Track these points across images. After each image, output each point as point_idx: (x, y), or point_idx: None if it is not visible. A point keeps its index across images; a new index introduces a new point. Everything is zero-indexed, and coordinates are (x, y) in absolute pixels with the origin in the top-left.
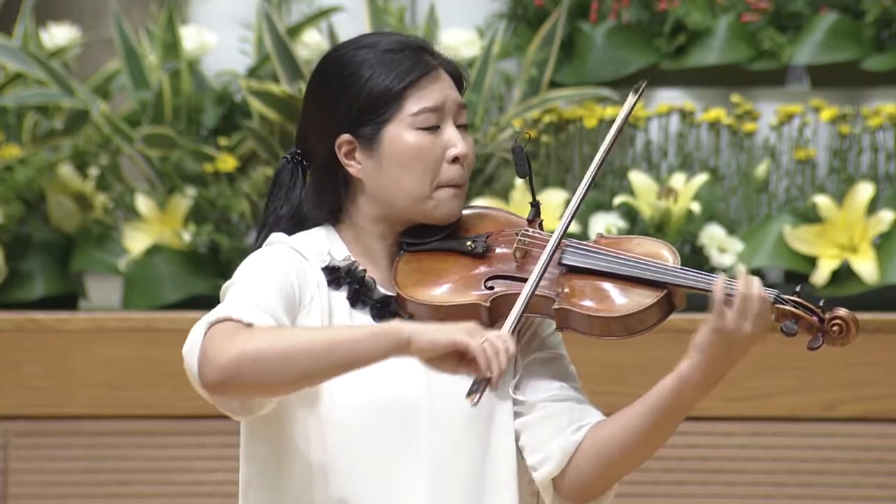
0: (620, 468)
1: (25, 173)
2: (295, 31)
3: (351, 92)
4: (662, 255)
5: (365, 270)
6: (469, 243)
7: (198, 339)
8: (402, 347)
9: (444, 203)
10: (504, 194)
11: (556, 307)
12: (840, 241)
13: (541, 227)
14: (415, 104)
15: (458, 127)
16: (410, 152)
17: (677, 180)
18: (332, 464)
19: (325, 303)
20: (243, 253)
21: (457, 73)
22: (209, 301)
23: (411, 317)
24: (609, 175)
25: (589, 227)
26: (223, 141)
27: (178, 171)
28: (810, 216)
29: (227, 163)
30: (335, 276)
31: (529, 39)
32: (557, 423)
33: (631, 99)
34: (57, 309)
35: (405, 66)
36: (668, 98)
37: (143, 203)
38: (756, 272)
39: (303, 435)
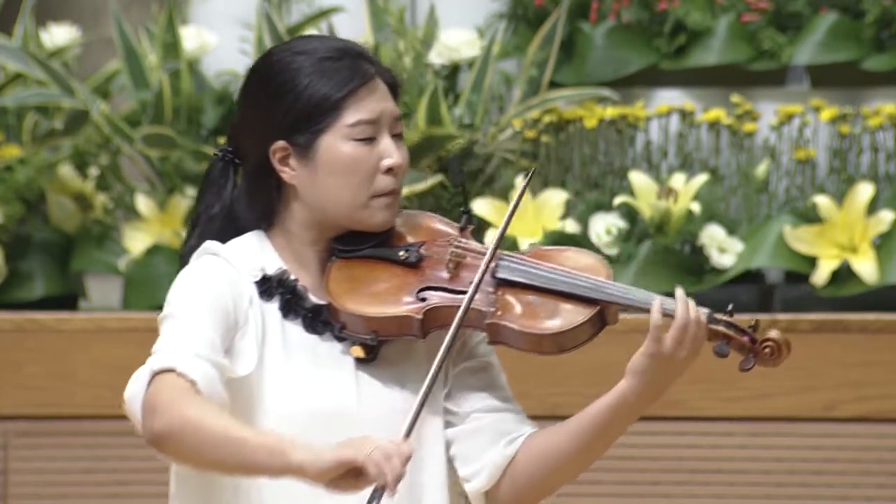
0: (554, 481)
1: (25, 173)
2: (295, 31)
3: (287, 99)
4: (595, 269)
5: (297, 280)
6: (402, 253)
7: (140, 388)
8: (295, 472)
9: (379, 212)
10: (504, 195)
11: (489, 322)
12: (840, 241)
13: (473, 235)
14: (352, 115)
15: (394, 136)
16: (346, 162)
17: (677, 180)
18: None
19: (258, 318)
20: None
21: (393, 82)
22: None
23: (343, 327)
24: (609, 175)
25: (589, 227)
26: (223, 141)
27: (178, 171)
28: (810, 216)
29: None
30: (267, 286)
31: (529, 39)
32: (489, 436)
33: (521, 182)
34: (57, 309)
35: (343, 75)
36: (668, 98)
37: (143, 203)
38: (756, 272)
39: None
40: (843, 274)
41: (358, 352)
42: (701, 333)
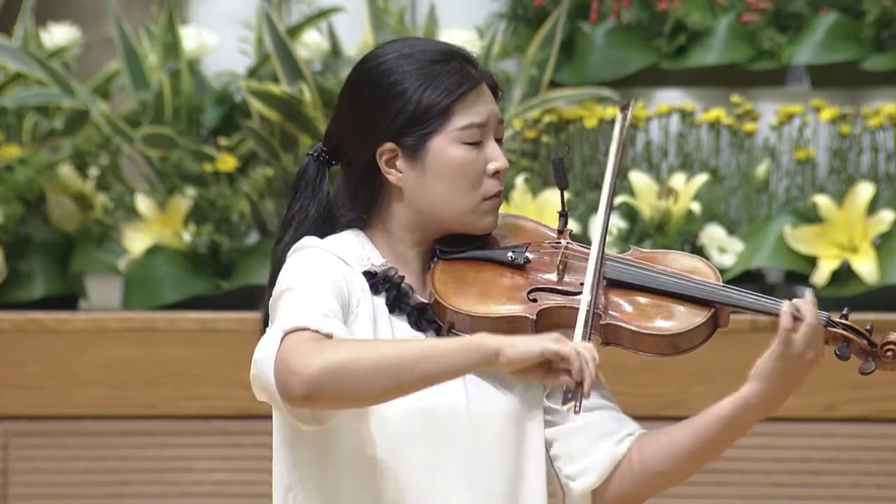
0: (663, 484)
1: (25, 173)
2: (295, 31)
3: (397, 102)
4: (703, 272)
5: (403, 277)
6: (510, 254)
7: (273, 348)
8: (491, 361)
9: (485, 216)
10: (504, 195)
11: (605, 322)
12: (840, 241)
13: (570, 238)
14: (461, 119)
15: (497, 140)
16: (455, 166)
17: (677, 180)
18: (376, 470)
19: (369, 307)
20: (243, 253)
21: (495, 86)
22: (209, 301)
23: (451, 326)
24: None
25: (589, 227)
26: (223, 141)
27: (178, 171)
28: (810, 216)
29: (227, 163)
30: (374, 281)
31: (529, 39)
32: (595, 434)
33: (619, 117)
34: (57, 309)
35: (454, 79)
36: (668, 98)
37: (143, 203)
38: (756, 272)
39: (349, 441)
40: (843, 274)
41: None
42: (823, 334)
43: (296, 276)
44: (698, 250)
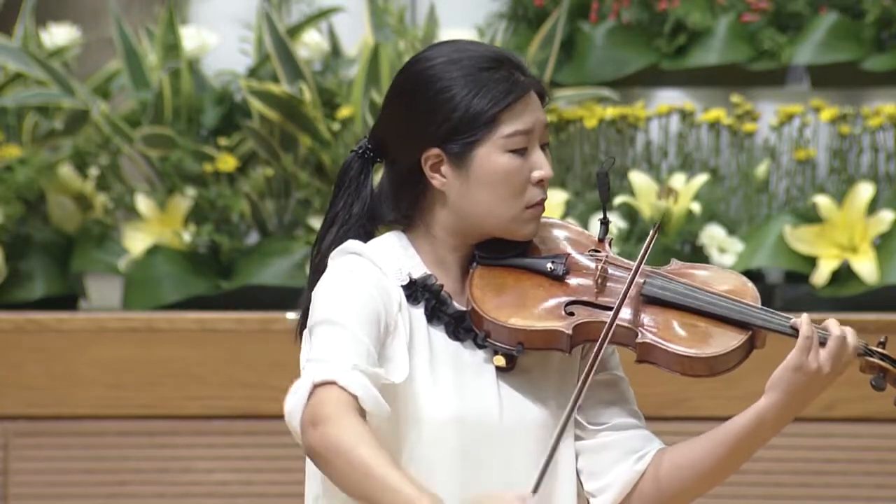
0: (684, 498)
1: (25, 173)
2: (295, 31)
3: (444, 109)
4: (741, 292)
5: (442, 285)
6: (549, 265)
7: (301, 401)
8: None
9: (528, 223)
10: None
11: (640, 341)
12: (840, 241)
13: (610, 246)
14: (508, 127)
15: (542, 146)
16: (500, 174)
17: (677, 180)
18: None
19: (406, 323)
20: (243, 253)
21: (542, 92)
22: (209, 301)
23: (487, 335)
24: (609, 175)
25: (589, 227)
26: (223, 141)
27: (178, 171)
28: (810, 216)
29: (227, 163)
30: (412, 290)
31: (529, 39)
32: (618, 452)
33: (650, 237)
34: (57, 309)
35: (501, 88)
36: (668, 98)
37: (143, 203)
38: (756, 272)
39: None
40: (843, 274)
41: (500, 361)
42: (848, 352)
43: (331, 305)
44: (698, 250)
